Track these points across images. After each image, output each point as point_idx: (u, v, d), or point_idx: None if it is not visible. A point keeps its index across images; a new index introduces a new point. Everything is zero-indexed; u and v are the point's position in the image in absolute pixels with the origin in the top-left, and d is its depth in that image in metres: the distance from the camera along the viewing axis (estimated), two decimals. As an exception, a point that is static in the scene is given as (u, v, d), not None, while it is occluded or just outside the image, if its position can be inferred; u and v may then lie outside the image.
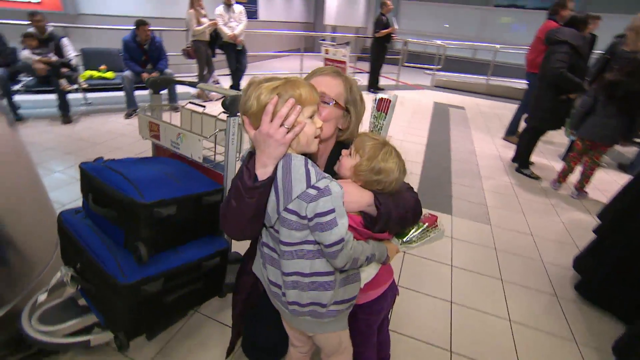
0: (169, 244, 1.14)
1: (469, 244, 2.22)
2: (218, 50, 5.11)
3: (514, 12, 10.09)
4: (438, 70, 7.37)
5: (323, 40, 6.34)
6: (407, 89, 6.98)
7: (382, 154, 0.84)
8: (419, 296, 1.76)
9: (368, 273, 0.93)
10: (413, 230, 0.99)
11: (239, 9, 4.87)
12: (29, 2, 5.23)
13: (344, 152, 0.90)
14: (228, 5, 4.77)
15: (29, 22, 3.74)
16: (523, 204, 2.81)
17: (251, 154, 0.79)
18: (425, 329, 1.56)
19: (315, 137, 0.79)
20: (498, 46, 6.95)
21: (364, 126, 1.05)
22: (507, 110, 5.73)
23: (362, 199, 0.85)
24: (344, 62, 5.42)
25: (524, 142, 3.39)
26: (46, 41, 3.86)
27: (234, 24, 4.84)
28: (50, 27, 3.90)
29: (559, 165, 3.48)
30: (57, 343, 1.11)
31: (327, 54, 5.53)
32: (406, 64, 7.29)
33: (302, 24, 11.89)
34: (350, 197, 0.82)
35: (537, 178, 3.31)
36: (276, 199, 0.75)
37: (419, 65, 7.88)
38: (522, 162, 3.43)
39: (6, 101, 3.67)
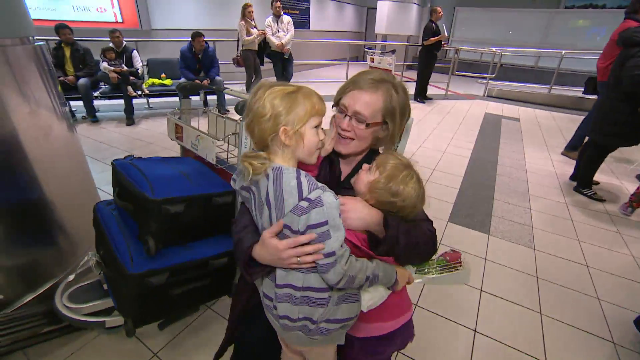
0: (178, 240, 1.19)
1: (504, 268, 2.00)
2: (266, 58, 5.35)
3: (589, 13, 9.06)
4: (492, 79, 6.87)
5: (370, 48, 6.29)
6: (457, 99, 6.61)
7: (402, 176, 0.79)
8: (437, 319, 1.62)
9: (373, 295, 0.84)
10: (432, 262, 0.91)
11: (286, 19, 5.06)
12: (115, 21, 6.03)
13: (365, 166, 0.87)
14: (277, 16, 4.98)
15: (109, 39, 4.31)
16: (579, 229, 2.46)
17: (250, 245, 0.79)
18: (440, 356, 1.43)
19: (317, 149, 0.78)
20: (563, 52, 6.27)
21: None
22: (571, 122, 5.14)
23: (371, 217, 0.80)
24: (389, 71, 5.32)
25: (586, 158, 2.99)
26: (121, 54, 4.39)
27: (282, 34, 5.03)
28: (125, 41, 4.43)
29: (633, 187, 3.00)
30: (79, 320, 1.22)
31: (372, 62, 5.48)
32: (457, 73, 6.92)
33: (353, 33, 11.98)
34: (357, 213, 0.79)
35: (600, 200, 2.88)
36: (269, 212, 0.74)
37: (470, 74, 7.43)
38: (583, 180, 3.02)
39: (85, 105, 4.25)
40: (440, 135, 4.34)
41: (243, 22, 4.87)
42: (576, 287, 1.90)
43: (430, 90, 6.67)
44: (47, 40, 4.35)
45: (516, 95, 6.70)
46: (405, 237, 0.78)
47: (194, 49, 4.48)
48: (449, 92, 6.76)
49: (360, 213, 0.79)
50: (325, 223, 0.70)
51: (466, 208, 2.62)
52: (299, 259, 0.71)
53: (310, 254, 0.72)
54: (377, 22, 9.49)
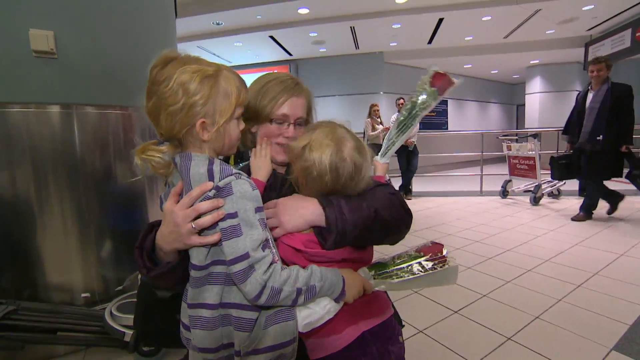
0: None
1: None
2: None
3: None
4: None
5: (506, 135, 5.63)
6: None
7: (315, 136, 0.69)
8: None
9: (313, 311, 0.64)
10: (399, 260, 0.71)
11: (411, 115, 5.35)
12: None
13: None
14: (401, 113, 5.36)
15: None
16: None
17: (150, 227, 0.72)
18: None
19: (237, 142, 0.71)
20: None
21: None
22: None
23: (306, 209, 0.68)
24: (532, 159, 4.54)
25: None
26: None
27: (406, 128, 5.29)
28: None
29: None
30: (110, 325, 1.34)
31: (509, 150, 4.86)
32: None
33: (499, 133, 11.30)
34: (289, 210, 0.69)
35: None
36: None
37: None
38: None
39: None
40: (616, 234, 3.09)
41: (369, 119, 5.47)
42: None
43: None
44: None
45: None
46: (353, 213, 0.66)
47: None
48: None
49: (293, 209, 0.68)
50: (235, 215, 0.59)
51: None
52: (193, 224, 0.60)
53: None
54: (527, 117, 8.71)
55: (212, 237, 0.60)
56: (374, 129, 5.42)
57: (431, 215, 4.21)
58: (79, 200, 1.59)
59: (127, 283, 1.61)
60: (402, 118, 1.05)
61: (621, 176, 3.41)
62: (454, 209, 4.53)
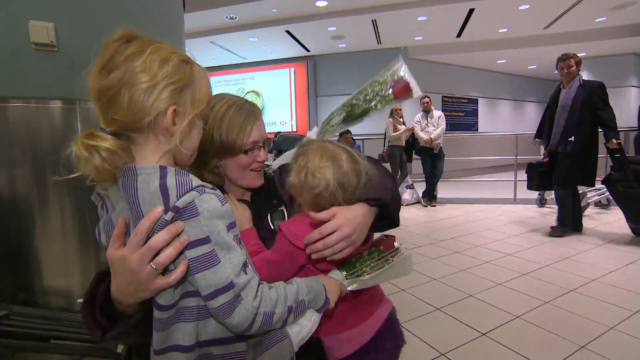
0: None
1: None
2: (415, 155, 5.45)
3: None
4: None
5: (538, 139, 5.33)
6: None
7: (311, 162, 0.72)
8: None
9: (302, 325, 0.64)
10: (358, 256, 0.78)
11: (437, 114, 5.20)
12: (291, 131, 7.98)
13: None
14: (426, 112, 5.22)
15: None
16: None
17: (100, 276, 0.63)
18: None
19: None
20: None
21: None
22: None
23: (361, 217, 0.72)
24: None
25: None
26: (278, 152, 5.63)
27: (432, 129, 5.14)
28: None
29: None
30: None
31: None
32: None
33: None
34: (352, 225, 0.70)
35: None
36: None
37: None
38: None
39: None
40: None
41: (391, 119, 5.37)
42: None
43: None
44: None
45: None
46: (385, 184, 0.80)
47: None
48: None
49: (355, 224, 0.70)
50: (206, 240, 0.51)
51: None
52: (152, 264, 0.51)
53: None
54: (569, 117, 8.30)
55: (180, 270, 0.51)
56: (395, 129, 5.31)
57: (458, 224, 4.06)
58: (80, 200, 1.60)
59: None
60: (351, 114, 1.09)
61: (592, 185, 3.31)
62: (484, 217, 4.35)
